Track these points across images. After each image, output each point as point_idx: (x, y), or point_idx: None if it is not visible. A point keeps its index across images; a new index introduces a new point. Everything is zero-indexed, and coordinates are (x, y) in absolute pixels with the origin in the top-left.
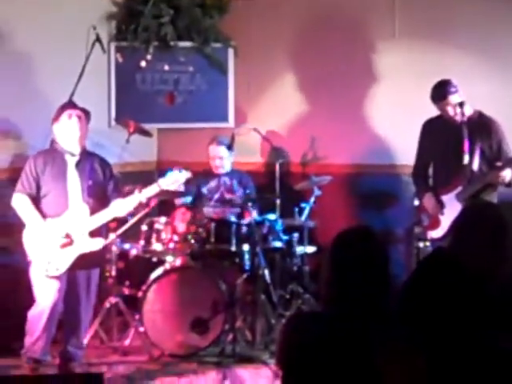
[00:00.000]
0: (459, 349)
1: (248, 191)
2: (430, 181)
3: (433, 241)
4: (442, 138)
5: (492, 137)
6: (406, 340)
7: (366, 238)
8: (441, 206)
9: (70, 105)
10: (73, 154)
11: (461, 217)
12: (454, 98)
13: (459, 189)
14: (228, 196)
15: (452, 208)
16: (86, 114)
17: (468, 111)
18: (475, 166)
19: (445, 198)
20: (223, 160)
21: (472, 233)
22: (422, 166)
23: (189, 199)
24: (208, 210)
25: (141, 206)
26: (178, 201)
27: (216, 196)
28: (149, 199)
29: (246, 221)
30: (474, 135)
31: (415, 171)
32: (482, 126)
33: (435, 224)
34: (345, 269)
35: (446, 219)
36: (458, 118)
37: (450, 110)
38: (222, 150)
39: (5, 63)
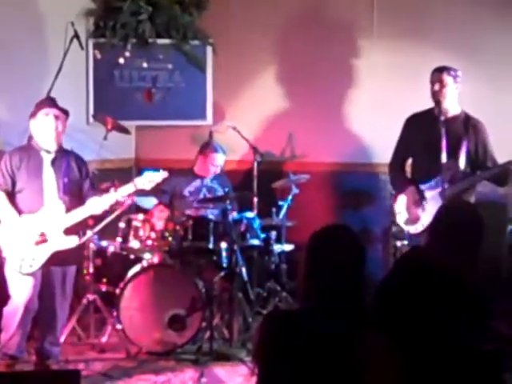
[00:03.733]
0: (434, 348)
1: (226, 190)
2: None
3: (410, 236)
4: (427, 134)
5: (478, 137)
6: (382, 339)
7: (342, 236)
8: (422, 200)
9: (49, 102)
10: (49, 152)
11: (438, 215)
12: (446, 78)
13: (443, 187)
14: (211, 196)
15: (434, 205)
16: (64, 113)
17: (454, 110)
18: (461, 165)
19: (428, 194)
20: (218, 167)
21: (449, 232)
22: (401, 159)
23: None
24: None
25: (117, 204)
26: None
27: (198, 197)
28: (125, 197)
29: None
30: (460, 134)
31: (394, 164)
32: (468, 126)
33: (414, 219)
34: (320, 266)
35: (427, 215)
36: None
37: (433, 86)
38: (220, 157)
39: None
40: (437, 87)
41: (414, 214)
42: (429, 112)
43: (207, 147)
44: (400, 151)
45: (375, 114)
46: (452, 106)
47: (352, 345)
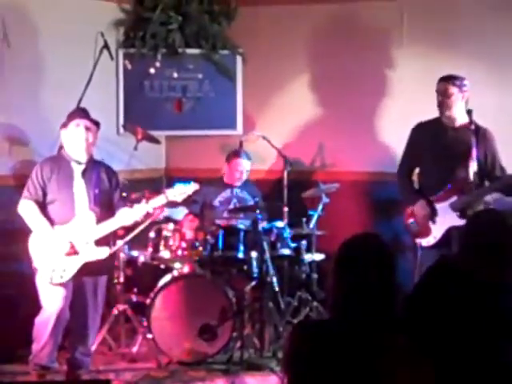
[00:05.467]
0: (465, 359)
1: (257, 199)
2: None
3: (423, 249)
4: (434, 143)
5: (487, 147)
6: (412, 348)
7: (372, 244)
8: (433, 214)
9: (80, 113)
10: (79, 163)
11: (468, 225)
12: (451, 89)
13: (454, 198)
14: (242, 206)
15: (445, 217)
16: (96, 124)
17: (462, 119)
18: (471, 174)
19: (438, 206)
20: (244, 173)
21: (478, 240)
22: (409, 169)
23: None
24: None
25: (148, 215)
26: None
27: (229, 207)
28: (156, 209)
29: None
30: (468, 143)
31: (401, 173)
32: (476, 135)
33: (425, 232)
34: (350, 275)
35: (438, 228)
36: (463, 123)
37: (438, 96)
38: (244, 163)
39: (12, 69)
40: (441, 98)
41: (425, 227)
42: (436, 121)
43: (231, 154)
44: (407, 160)
45: (405, 123)
46: (459, 114)
47: (382, 354)
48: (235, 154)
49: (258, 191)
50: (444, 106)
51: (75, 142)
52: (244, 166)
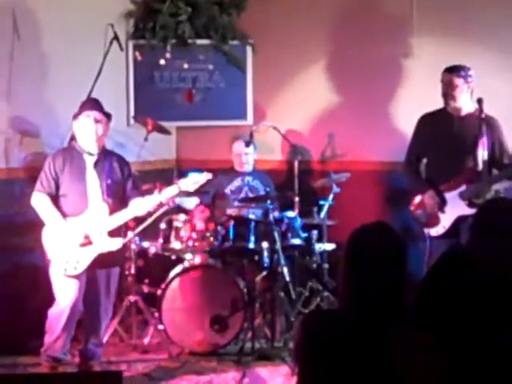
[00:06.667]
0: (479, 350)
1: (268, 189)
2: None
3: (432, 239)
4: (441, 133)
5: (494, 134)
6: (425, 339)
7: (383, 233)
8: (443, 203)
9: (90, 105)
10: (91, 154)
11: (479, 213)
12: (456, 80)
13: (463, 187)
14: (252, 196)
15: (454, 206)
16: (106, 116)
17: (468, 108)
18: (480, 163)
19: (447, 195)
20: (248, 156)
21: (490, 229)
22: (416, 159)
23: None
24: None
25: (160, 205)
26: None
27: (240, 196)
28: (168, 200)
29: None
30: (475, 132)
31: (408, 164)
32: (483, 125)
33: (434, 221)
34: (361, 264)
35: (447, 217)
36: (469, 112)
37: (442, 87)
38: (246, 147)
39: (22, 62)
40: (446, 89)
41: (434, 217)
42: (442, 111)
43: (236, 139)
44: (414, 151)
45: (418, 112)
46: (465, 104)
47: (393, 344)
48: (234, 139)
49: (271, 181)
50: (449, 96)
51: (85, 133)
52: (242, 149)
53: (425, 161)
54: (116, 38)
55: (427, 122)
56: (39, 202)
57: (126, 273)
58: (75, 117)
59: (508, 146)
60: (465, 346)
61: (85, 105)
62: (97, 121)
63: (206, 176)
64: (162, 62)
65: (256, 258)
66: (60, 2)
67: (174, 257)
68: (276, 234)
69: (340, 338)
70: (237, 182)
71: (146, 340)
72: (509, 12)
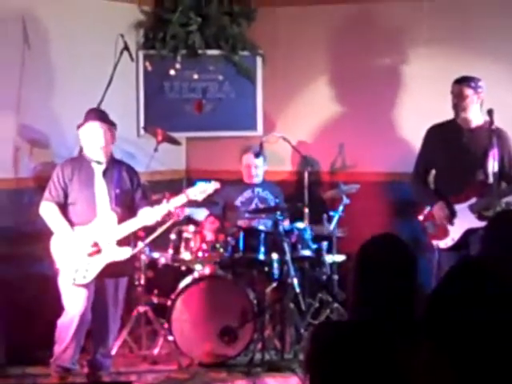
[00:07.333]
0: (488, 362)
1: (277, 200)
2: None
3: (440, 251)
4: (450, 145)
5: (504, 147)
6: (434, 351)
7: (392, 245)
8: (452, 215)
9: (93, 115)
10: (99, 162)
11: (491, 225)
12: (466, 91)
13: (473, 200)
14: (262, 207)
15: (463, 218)
16: (111, 125)
17: (477, 120)
18: (490, 176)
19: (457, 207)
20: (258, 169)
21: (502, 240)
22: (424, 171)
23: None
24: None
25: (169, 215)
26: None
27: (250, 207)
28: (177, 209)
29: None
30: (485, 145)
31: (416, 176)
32: (492, 136)
33: (443, 233)
34: (370, 276)
35: (456, 229)
36: (478, 124)
37: (453, 98)
38: (256, 159)
39: (32, 71)
40: (457, 100)
41: (443, 229)
42: (451, 123)
43: (247, 150)
44: (423, 162)
45: (427, 123)
46: (475, 116)
47: (403, 356)
48: (244, 150)
49: (281, 192)
50: (459, 108)
51: (90, 143)
52: (252, 160)
53: (433, 172)
54: (126, 48)
55: (436, 133)
56: (47, 211)
57: (136, 283)
58: (79, 127)
59: None
60: (474, 357)
61: (87, 115)
62: (100, 130)
63: (213, 185)
64: (172, 72)
65: (266, 269)
66: (70, 12)
67: (183, 268)
68: (286, 246)
69: (350, 349)
70: (247, 194)
71: (156, 351)
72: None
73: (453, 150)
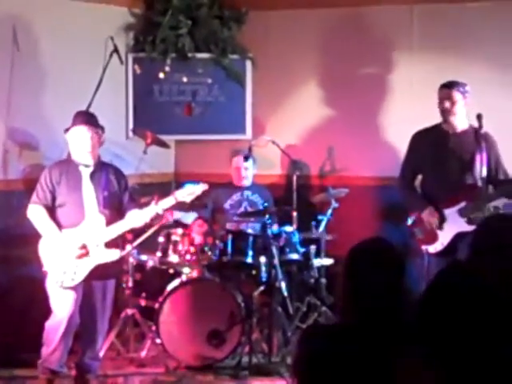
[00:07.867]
0: (480, 364)
1: (266, 204)
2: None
3: (429, 255)
4: (437, 150)
5: (491, 152)
6: (423, 355)
7: (381, 249)
8: (441, 220)
9: (80, 118)
10: (87, 166)
11: (480, 229)
12: (455, 95)
13: (463, 204)
14: (251, 210)
15: (453, 223)
16: (98, 128)
17: (463, 125)
18: (478, 181)
19: (446, 212)
20: (247, 171)
21: (490, 245)
22: (411, 177)
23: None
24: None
25: (157, 217)
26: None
27: (239, 210)
28: (165, 211)
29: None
30: (472, 149)
31: (403, 181)
32: (478, 140)
33: (432, 238)
34: (359, 279)
35: (446, 234)
36: (464, 129)
37: (441, 103)
38: (245, 162)
39: (22, 74)
40: (446, 105)
41: (432, 233)
42: (436, 128)
43: (236, 153)
44: (409, 168)
45: (416, 128)
46: (461, 121)
47: (391, 360)
48: (233, 153)
49: (270, 195)
50: (449, 112)
51: (76, 146)
52: (241, 163)
53: (420, 177)
54: (116, 50)
55: (422, 139)
56: (35, 213)
57: (124, 286)
58: (67, 130)
59: (503, 162)
60: (465, 360)
61: (75, 118)
62: (87, 133)
63: (202, 187)
64: (162, 75)
65: (254, 272)
66: (60, 15)
67: (171, 270)
68: (274, 249)
69: (338, 352)
70: (236, 197)
71: (143, 353)
72: (507, 29)
73: (440, 154)
